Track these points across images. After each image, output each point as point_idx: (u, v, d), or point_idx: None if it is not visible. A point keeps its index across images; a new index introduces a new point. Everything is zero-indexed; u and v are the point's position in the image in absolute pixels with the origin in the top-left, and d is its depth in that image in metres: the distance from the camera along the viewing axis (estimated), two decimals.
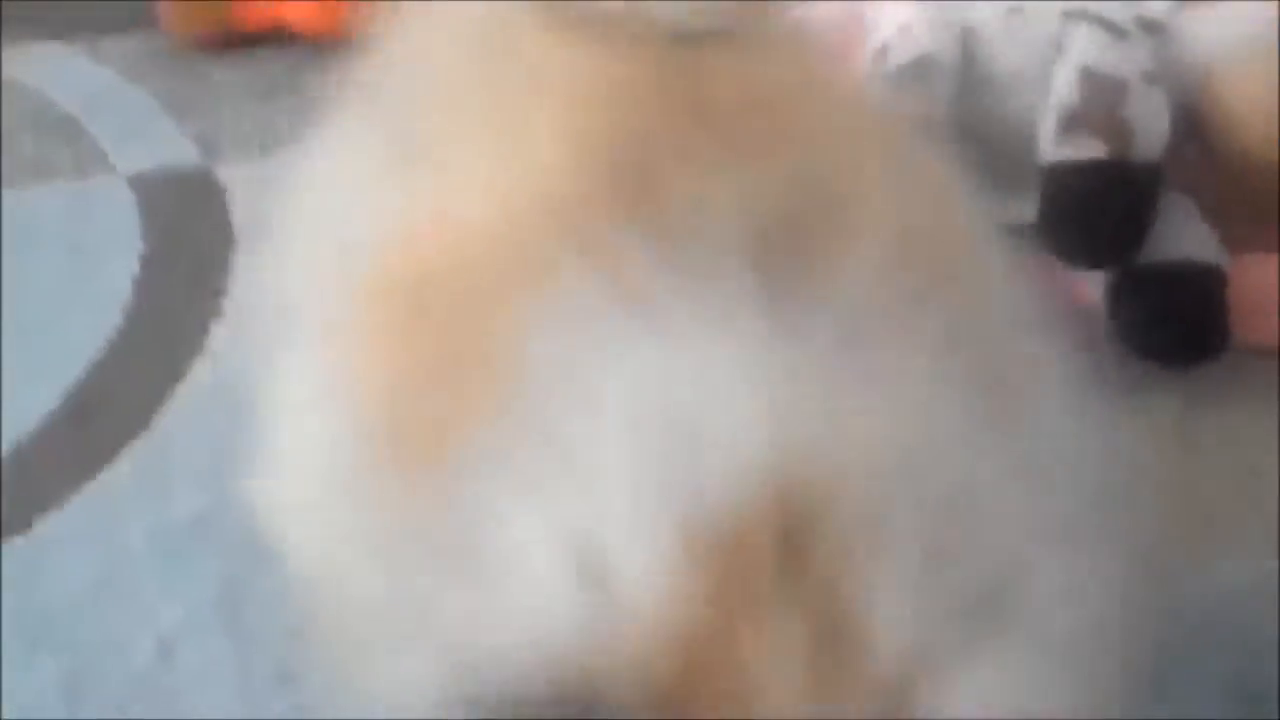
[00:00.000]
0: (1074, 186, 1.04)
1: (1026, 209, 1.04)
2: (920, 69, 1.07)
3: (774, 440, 0.63)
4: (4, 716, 0.98)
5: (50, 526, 1.06)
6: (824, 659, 0.63)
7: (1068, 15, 1.07)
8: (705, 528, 0.61)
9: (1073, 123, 1.04)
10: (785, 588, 0.63)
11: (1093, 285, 1.06)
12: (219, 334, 1.16)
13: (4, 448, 1.09)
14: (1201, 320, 1.05)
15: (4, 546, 1.04)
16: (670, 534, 0.61)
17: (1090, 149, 1.03)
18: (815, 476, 0.63)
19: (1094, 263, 1.05)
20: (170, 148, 1.40)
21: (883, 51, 1.10)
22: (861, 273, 0.67)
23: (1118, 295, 1.05)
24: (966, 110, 1.07)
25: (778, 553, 0.63)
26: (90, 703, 0.99)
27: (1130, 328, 1.04)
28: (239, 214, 1.30)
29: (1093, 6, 1.07)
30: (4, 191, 1.33)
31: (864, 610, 0.62)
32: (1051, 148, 1.04)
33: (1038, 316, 0.73)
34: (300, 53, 1.43)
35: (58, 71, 1.52)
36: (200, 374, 1.13)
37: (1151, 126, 1.04)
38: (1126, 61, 1.05)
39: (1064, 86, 1.06)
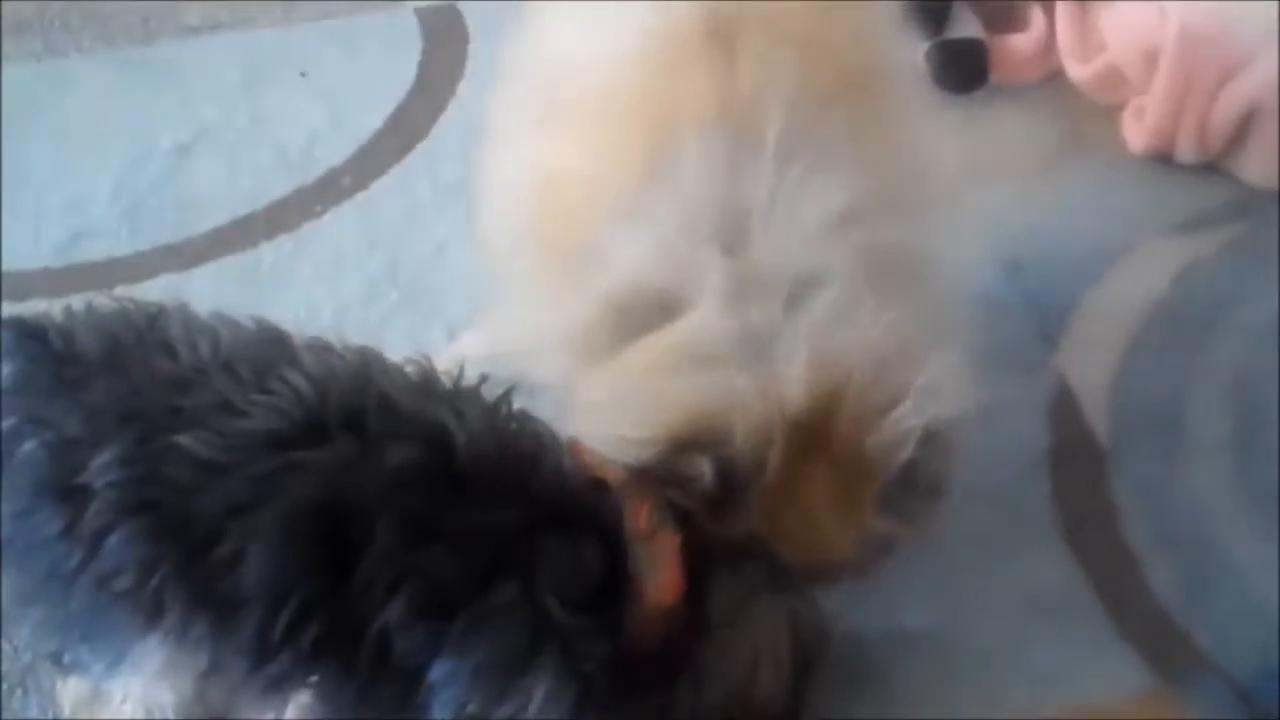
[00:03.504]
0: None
1: None
2: None
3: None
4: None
5: (380, 184, 1.86)
6: (841, 491, 1.08)
7: None
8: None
9: None
10: (819, 452, 1.07)
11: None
12: (463, 89, 1.99)
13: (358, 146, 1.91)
14: (972, 69, 1.91)
15: (359, 195, 1.83)
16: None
17: None
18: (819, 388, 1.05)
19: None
20: None
21: None
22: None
23: (932, 55, 1.90)
24: None
25: (813, 431, 1.05)
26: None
27: (938, 73, 1.89)
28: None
29: None
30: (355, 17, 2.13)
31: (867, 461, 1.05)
32: None
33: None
34: None
35: None
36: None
37: None
38: None
39: None
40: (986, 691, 1.36)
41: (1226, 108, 1.81)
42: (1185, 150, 1.85)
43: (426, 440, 1.02)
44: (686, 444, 1.05)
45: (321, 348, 1.11)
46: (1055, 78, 1.96)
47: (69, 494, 1.01)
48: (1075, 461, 1.56)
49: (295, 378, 1.05)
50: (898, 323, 1.10)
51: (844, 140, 1.17)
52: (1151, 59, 1.83)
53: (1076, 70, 1.92)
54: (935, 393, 1.08)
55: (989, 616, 1.42)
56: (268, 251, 1.80)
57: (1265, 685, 1.36)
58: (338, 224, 1.83)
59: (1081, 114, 1.94)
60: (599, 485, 1.03)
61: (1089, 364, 1.64)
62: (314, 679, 1.03)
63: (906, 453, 1.07)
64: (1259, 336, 1.66)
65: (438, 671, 1.00)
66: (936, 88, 1.86)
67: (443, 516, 0.99)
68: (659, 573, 1.00)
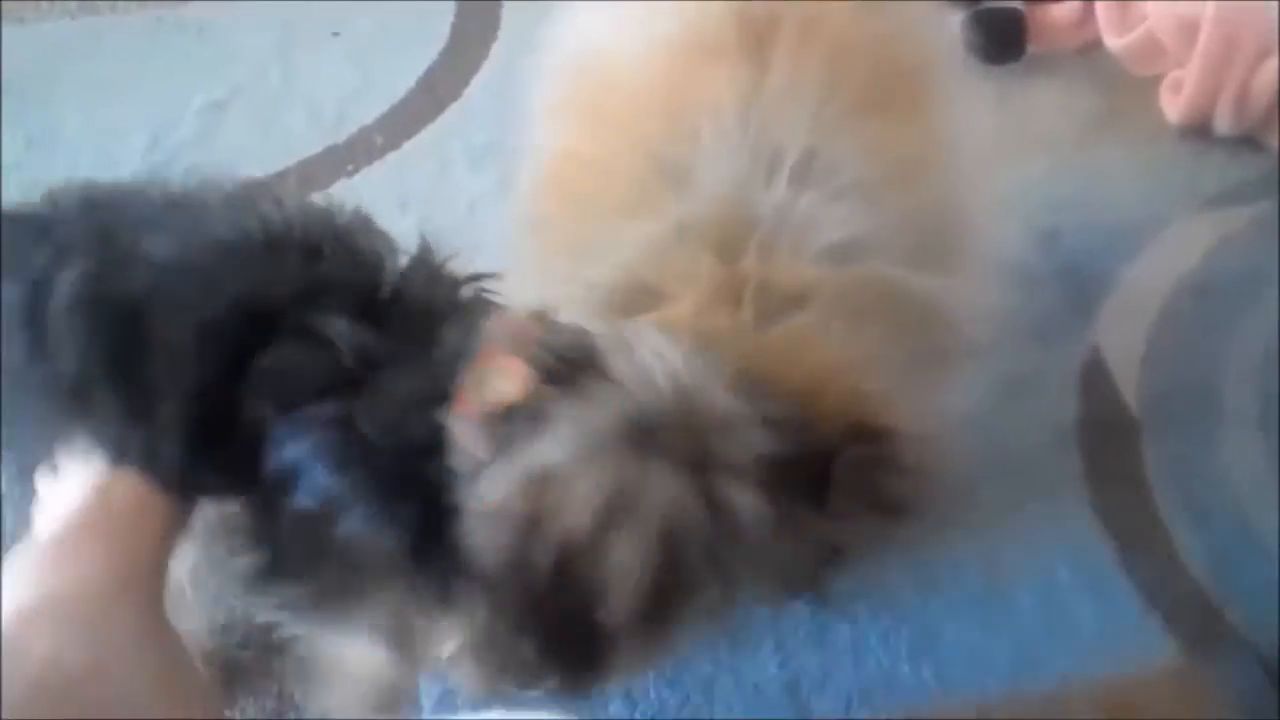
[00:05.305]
0: None
1: None
2: None
3: None
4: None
5: (412, 144, 1.87)
6: None
7: None
8: None
9: None
10: None
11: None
12: (496, 50, 2.00)
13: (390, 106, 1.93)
14: (1010, 38, 1.90)
15: (391, 155, 1.85)
16: None
17: None
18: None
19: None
20: None
21: None
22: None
23: (968, 25, 1.88)
24: None
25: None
26: None
27: (974, 43, 1.87)
28: None
29: None
30: None
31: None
32: None
33: None
34: None
35: None
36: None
37: None
38: None
39: None
40: (1017, 660, 1.37)
41: (1266, 81, 1.80)
42: (1222, 123, 1.85)
43: (359, 266, 1.05)
44: None
45: (313, 205, 1.14)
46: (1093, 49, 1.96)
47: (39, 319, 1.04)
48: (1106, 433, 1.57)
49: (268, 208, 1.08)
50: (869, 352, 1.10)
51: (866, 159, 1.16)
52: (1191, 30, 1.83)
53: (1114, 41, 1.92)
54: (882, 406, 1.07)
55: (1018, 587, 1.42)
56: None
57: None
58: (369, 183, 1.84)
59: (1119, 86, 1.94)
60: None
61: (1122, 336, 1.65)
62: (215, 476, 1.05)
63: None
64: None
65: (290, 458, 1.02)
66: (973, 58, 1.84)
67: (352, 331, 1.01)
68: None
